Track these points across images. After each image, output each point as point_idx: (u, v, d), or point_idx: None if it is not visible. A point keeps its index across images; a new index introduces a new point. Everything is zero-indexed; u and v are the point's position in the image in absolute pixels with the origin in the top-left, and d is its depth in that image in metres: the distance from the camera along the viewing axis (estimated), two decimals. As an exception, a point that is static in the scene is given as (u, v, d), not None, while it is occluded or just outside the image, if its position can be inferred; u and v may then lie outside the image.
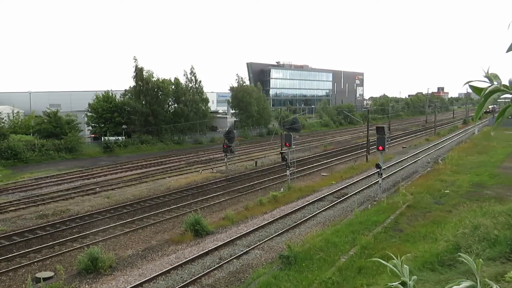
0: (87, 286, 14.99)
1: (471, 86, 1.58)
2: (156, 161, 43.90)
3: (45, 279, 15.08)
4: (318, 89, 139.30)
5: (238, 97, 71.61)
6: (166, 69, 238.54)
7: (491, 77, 1.52)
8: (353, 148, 51.12)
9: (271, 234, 19.73)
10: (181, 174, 36.30)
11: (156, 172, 37.40)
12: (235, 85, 73.23)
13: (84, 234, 20.33)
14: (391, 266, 1.62)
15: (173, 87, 60.52)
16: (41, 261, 17.21)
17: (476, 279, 1.53)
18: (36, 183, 32.25)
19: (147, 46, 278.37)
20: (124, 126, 56.98)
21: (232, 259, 16.79)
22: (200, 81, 64.01)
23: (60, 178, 34.17)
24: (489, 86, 1.50)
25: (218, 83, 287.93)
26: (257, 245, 18.29)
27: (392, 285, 1.56)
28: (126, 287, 14.39)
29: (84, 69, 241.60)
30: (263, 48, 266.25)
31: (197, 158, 46.43)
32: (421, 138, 63.99)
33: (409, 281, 1.55)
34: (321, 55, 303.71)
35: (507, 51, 1.47)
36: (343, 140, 64.54)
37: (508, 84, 1.47)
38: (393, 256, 1.68)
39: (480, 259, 1.61)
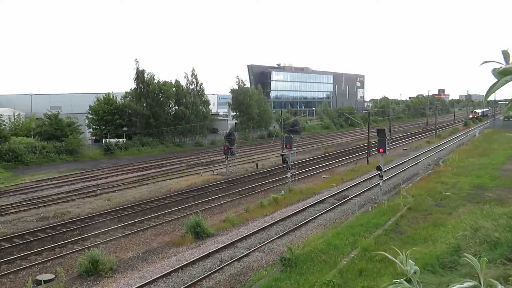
0: (87, 288, 14.98)
1: (493, 69, 1.48)
2: (157, 163, 43.92)
3: (45, 281, 15.10)
4: (318, 91, 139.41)
5: (239, 99, 71.68)
6: (167, 71, 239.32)
7: (508, 55, 1.44)
8: (354, 150, 51.13)
9: (272, 236, 19.72)
10: (182, 176, 36.30)
11: (157, 174, 37.41)
12: (236, 87, 73.35)
13: (84, 236, 20.33)
14: (396, 261, 1.62)
15: (174, 89, 60.59)
16: (42, 263, 17.21)
17: (480, 280, 1.52)
18: (37, 185, 32.26)
19: (149, 49, 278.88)
20: (125, 128, 57.04)
21: (233, 261, 16.78)
22: (201, 84, 64.09)
23: (61, 180, 34.19)
24: (502, 67, 1.43)
25: (218, 85, 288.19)
26: (258, 247, 18.28)
27: (397, 281, 1.56)
28: (127, 289, 14.38)
29: (85, 71, 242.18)
30: (264, 50, 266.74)
31: (198, 160, 46.44)
32: (422, 140, 63.92)
33: (411, 270, 1.54)
34: (321, 57, 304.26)
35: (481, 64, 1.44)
36: (343, 142, 64.53)
37: None
38: (398, 251, 1.68)
39: (485, 258, 1.61)
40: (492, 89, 1.46)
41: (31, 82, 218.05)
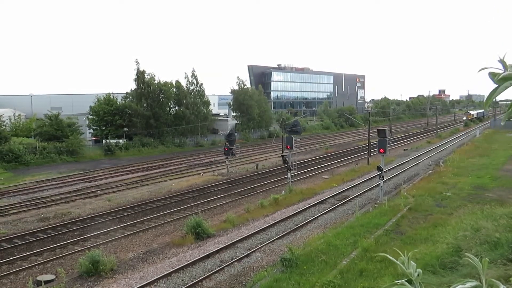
0: (88, 289, 14.98)
1: (490, 73, 1.50)
2: (157, 163, 43.92)
3: (46, 282, 15.10)
4: (319, 91, 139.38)
5: (239, 100, 71.69)
6: (167, 72, 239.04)
7: (506, 63, 1.46)
8: (354, 150, 51.10)
9: (272, 237, 19.71)
10: (182, 177, 36.30)
11: (158, 175, 37.41)
12: (236, 88, 73.38)
13: (85, 237, 20.34)
14: (397, 262, 1.61)
15: (174, 89, 60.60)
16: (42, 264, 17.21)
17: (481, 280, 1.51)
18: (38, 186, 32.26)
19: (149, 49, 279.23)
20: (125, 129, 57.05)
21: (233, 262, 16.77)
22: (201, 84, 64.07)
23: (61, 181, 34.19)
24: (503, 72, 1.45)
25: (219, 86, 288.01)
26: (258, 248, 18.27)
27: (398, 282, 1.54)
28: (127, 290, 14.37)
29: (85, 72, 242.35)
30: (264, 51, 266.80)
31: (198, 160, 46.44)
32: (423, 141, 63.90)
33: (415, 273, 1.54)
34: (322, 57, 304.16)
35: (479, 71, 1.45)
36: (344, 143, 64.51)
37: None
38: (400, 252, 1.67)
39: (487, 258, 1.60)
40: (493, 94, 1.48)
41: (32, 82, 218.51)
